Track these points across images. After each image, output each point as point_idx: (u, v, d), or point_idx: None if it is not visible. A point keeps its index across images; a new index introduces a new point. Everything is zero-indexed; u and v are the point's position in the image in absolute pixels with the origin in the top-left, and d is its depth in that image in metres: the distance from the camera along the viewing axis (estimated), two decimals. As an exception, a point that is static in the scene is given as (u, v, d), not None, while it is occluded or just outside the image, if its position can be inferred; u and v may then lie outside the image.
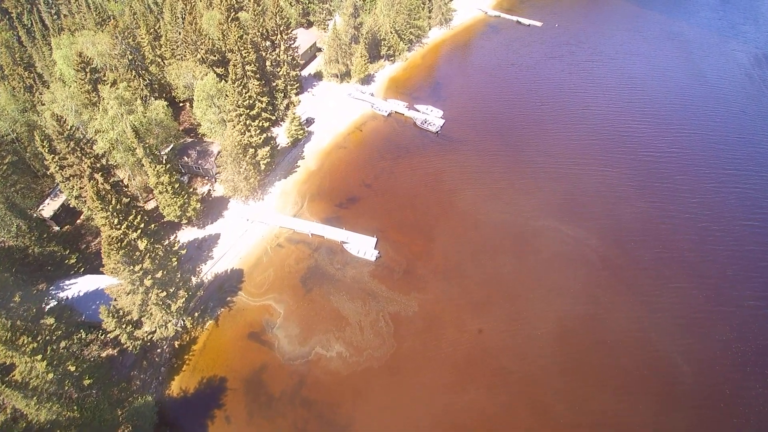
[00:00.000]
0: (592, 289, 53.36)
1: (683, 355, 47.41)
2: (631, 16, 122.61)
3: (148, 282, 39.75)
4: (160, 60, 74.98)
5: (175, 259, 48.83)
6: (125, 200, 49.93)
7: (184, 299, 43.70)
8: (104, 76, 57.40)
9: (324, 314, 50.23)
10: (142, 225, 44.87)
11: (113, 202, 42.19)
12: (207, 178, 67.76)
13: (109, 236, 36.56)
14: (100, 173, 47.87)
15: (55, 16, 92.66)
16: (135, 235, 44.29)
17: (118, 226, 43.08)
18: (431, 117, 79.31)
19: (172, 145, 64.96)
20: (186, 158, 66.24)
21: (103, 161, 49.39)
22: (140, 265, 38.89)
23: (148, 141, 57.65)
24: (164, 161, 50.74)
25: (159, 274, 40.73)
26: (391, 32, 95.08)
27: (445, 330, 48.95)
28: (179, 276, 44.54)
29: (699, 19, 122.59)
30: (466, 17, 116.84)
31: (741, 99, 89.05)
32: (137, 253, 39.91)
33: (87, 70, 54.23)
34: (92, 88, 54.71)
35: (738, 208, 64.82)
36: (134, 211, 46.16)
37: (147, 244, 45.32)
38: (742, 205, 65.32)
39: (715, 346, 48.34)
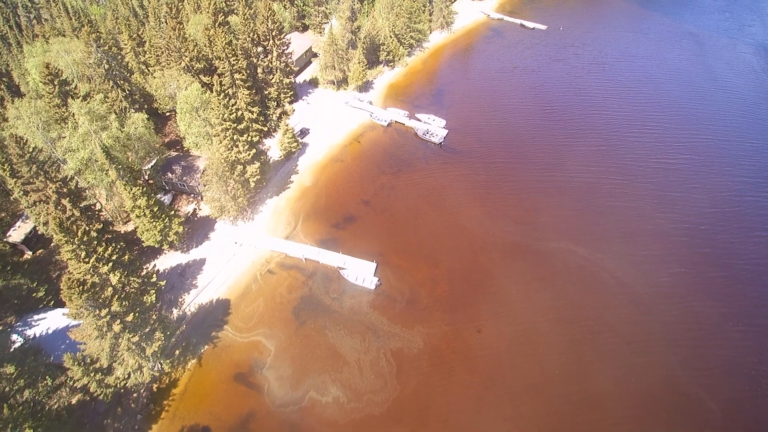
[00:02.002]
0: (611, 319, 48.94)
1: (710, 392, 43.17)
2: (638, 18, 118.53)
3: (117, 327, 34.93)
4: (144, 67, 70.04)
5: (153, 291, 44.15)
6: (97, 226, 45.38)
7: (160, 342, 38.86)
8: (76, 88, 52.26)
9: (319, 352, 45.46)
10: (114, 257, 40.18)
11: (80, 233, 37.41)
12: (193, 195, 62.89)
13: (69, 279, 31.70)
14: (68, 198, 43.06)
15: (35, 21, 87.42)
16: (106, 268, 39.60)
17: (86, 260, 38.40)
18: (434, 127, 74.70)
19: (154, 161, 60.21)
20: (170, 174, 61.40)
21: (72, 184, 44.47)
22: (107, 308, 34.04)
23: (128, 156, 52.81)
24: (141, 183, 45.84)
25: (130, 317, 35.88)
26: (391, 36, 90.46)
27: (453, 369, 44.27)
28: (155, 316, 39.68)
29: (707, 20, 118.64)
30: (468, 20, 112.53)
31: (754, 104, 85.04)
32: (105, 294, 35.09)
33: (55, 82, 49.20)
34: (62, 101, 49.68)
35: (755, 219, 61.14)
36: (105, 240, 41.43)
37: (120, 278, 40.67)
38: (759, 216, 61.62)
39: (744, 381, 44.21)
